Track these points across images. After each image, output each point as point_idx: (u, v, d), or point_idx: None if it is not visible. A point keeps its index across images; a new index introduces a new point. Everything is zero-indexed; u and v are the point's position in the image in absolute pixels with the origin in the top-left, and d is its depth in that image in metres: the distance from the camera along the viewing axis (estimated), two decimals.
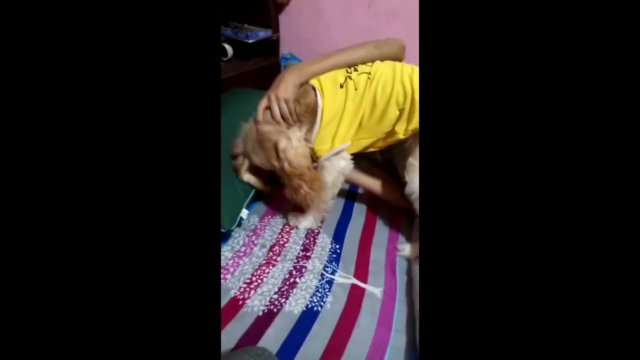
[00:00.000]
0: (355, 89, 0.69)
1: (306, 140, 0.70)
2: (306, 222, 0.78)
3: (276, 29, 1.29)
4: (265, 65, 1.30)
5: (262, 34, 1.23)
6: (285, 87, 0.68)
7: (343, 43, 1.19)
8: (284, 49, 1.36)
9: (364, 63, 0.72)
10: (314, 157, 0.72)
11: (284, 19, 1.30)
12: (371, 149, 0.76)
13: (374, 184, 0.81)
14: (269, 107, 0.69)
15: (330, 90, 0.68)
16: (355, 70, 0.71)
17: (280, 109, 0.68)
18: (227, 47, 1.22)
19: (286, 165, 0.65)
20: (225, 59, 1.24)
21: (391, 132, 0.71)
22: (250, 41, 1.18)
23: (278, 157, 0.66)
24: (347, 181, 0.79)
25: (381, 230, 0.80)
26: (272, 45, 1.33)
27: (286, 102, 0.67)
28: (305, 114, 0.69)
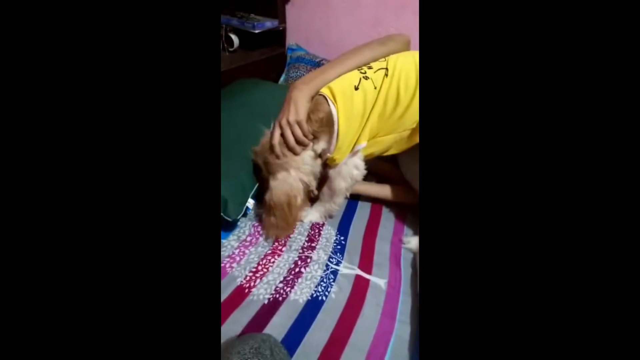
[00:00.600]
0: (375, 88, 0.65)
1: (324, 150, 0.67)
2: (312, 217, 0.78)
3: (283, 20, 1.28)
4: (271, 55, 1.30)
5: (269, 24, 1.22)
6: (296, 108, 0.63)
7: (350, 34, 1.18)
8: (290, 40, 1.35)
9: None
10: (331, 165, 0.69)
11: (290, 10, 1.29)
12: (392, 152, 0.73)
13: (379, 191, 0.82)
14: (282, 134, 0.65)
15: (344, 97, 0.63)
16: (370, 68, 0.67)
17: (294, 135, 0.64)
18: (234, 37, 1.22)
19: (267, 195, 0.68)
20: (231, 49, 1.23)
21: (416, 130, 0.67)
22: (257, 31, 1.17)
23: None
24: (353, 192, 0.77)
25: (386, 223, 0.80)
26: (278, 36, 1.32)
27: (299, 124, 0.63)
28: (320, 128, 0.65)
